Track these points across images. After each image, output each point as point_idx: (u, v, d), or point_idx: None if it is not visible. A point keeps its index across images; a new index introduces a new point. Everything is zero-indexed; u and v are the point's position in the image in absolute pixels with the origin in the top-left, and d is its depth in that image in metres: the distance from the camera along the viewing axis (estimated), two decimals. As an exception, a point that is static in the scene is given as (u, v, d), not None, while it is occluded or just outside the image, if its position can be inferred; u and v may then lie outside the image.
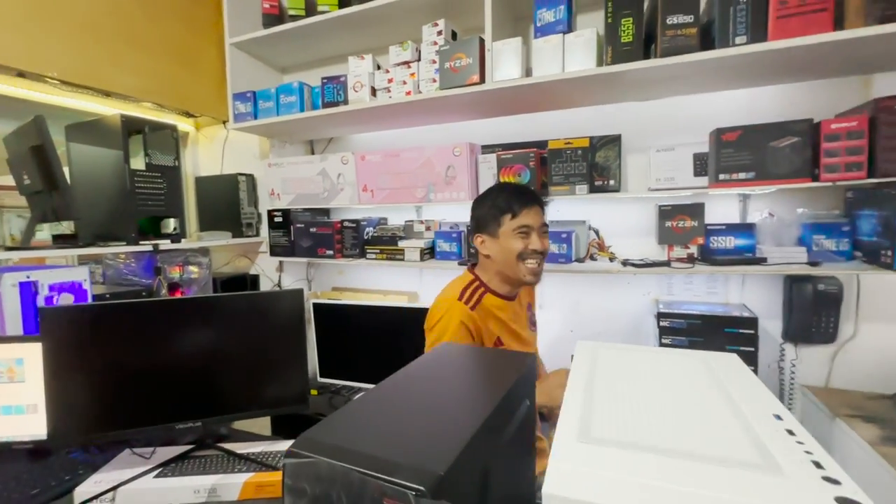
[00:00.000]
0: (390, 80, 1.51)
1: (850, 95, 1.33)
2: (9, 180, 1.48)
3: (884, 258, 1.13)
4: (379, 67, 1.59)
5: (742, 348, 1.34)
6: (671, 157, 1.47)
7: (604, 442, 0.37)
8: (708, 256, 1.41)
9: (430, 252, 1.72)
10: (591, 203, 1.64)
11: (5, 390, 1.04)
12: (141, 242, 1.56)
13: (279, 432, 1.81)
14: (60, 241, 1.51)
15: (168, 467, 0.97)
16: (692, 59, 1.10)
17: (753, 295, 1.50)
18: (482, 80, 1.34)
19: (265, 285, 2.15)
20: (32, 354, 1.03)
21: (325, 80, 1.62)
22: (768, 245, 1.38)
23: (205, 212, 2.09)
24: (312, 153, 2.16)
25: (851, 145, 1.12)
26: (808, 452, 0.34)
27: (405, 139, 1.90)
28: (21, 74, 1.38)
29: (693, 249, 1.43)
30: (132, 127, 1.55)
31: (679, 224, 1.43)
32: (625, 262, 1.48)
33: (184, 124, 2.15)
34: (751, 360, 1.33)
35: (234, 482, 0.93)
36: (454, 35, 1.48)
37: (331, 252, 1.85)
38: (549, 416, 1.29)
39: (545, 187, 1.51)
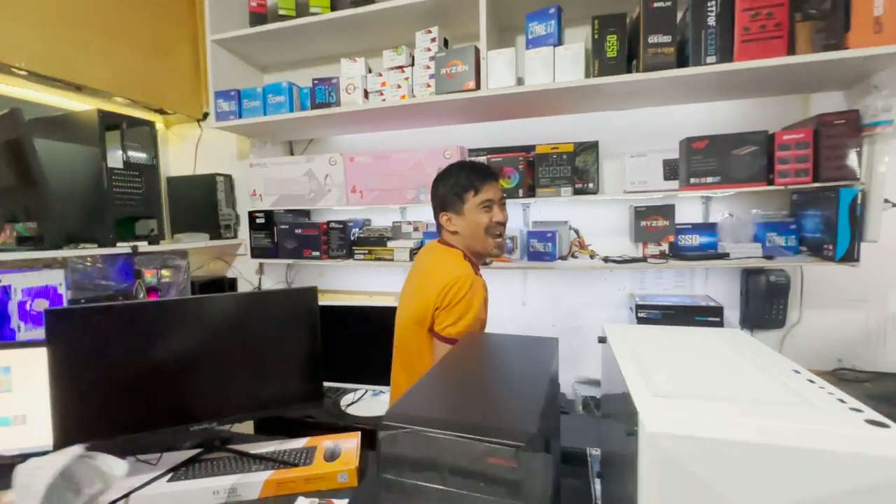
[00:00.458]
0: (383, 84, 1.55)
1: (793, 111, 1.52)
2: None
3: (826, 251, 1.32)
4: (370, 71, 1.62)
5: (710, 334, 1.49)
6: (643, 163, 1.61)
7: (673, 395, 0.44)
8: (678, 253, 1.56)
9: (418, 252, 1.76)
10: (572, 205, 1.75)
11: (-13, 401, 0.97)
12: (118, 244, 1.48)
13: (263, 432, 1.77)
14: (25, 242, 1.40)
15: (179, 472, 0.95)
16: (671, 75, 1.22)
17: (715, 287, 1.67)
18: (478, 86, 1.40)
19: (243, 288, 2.09)
20: (21, 361, 0.96)
21: (316, 82, 1.62)
22: (728, 242, 1.54)
23: (178, 213, 2.01)
24: (291, 153, 2.13)
25: (799, 154, 1.29)
26: (830, 394, 0.43)
27: (391, 141, 1.93)
28: (-15, 62, 1.28)
29: (665, 247, 1.58)
30: (108, 122, 1.47)
31: (652, 223, 1.57)
32: (606, 259, 1.60)
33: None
34: (717, 344, 1.48)
35: (255, 481, 0.92)
36: (445, 42, 1.54)
37: (317, 253, 1.84)
38: None
39: (532, 189, 1.60)
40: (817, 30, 1.14)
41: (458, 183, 1.19)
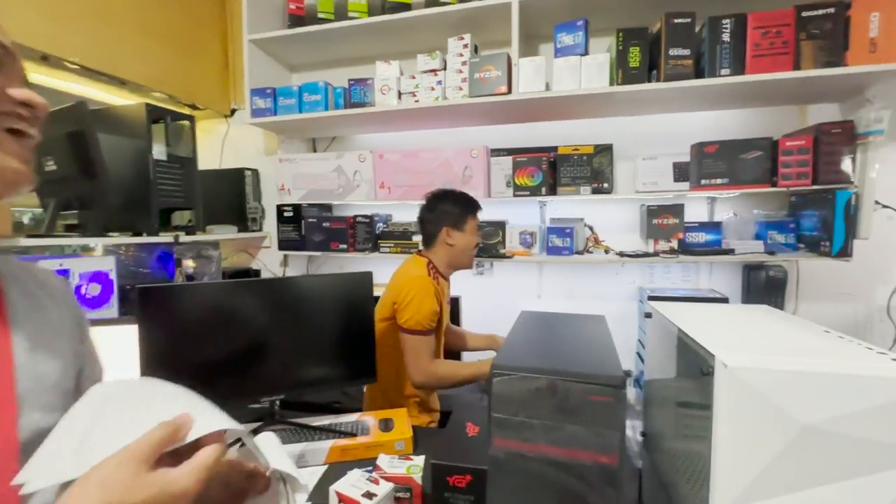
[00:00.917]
0: (417, 86, 1.64)
1: (791, 120, 1.67)
2: None
3: (823, 248, 1.46)
4: (403, 73, 1.71)
5: (716, 324, 1.62)
6: (654, 165, 1.74)
7: (735, 345, 0.55)
8: (686, 249, 1.69)
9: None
10: (586, 203, 1.87)
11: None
12: (161, 233, 1.55)
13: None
14: (74, 230, 1.46)
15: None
16: (689, 85, 1.35)
17: (719, 281, 1.80)
18: (509, 90, 1.51)
19: (267, 280, 2.15)
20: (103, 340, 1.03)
21: (351, 82, 1.71)
22: (732, 239, 1.68)
23: (207, 206, 2.06)
24: (314, 150, 2.21)
25: (801, 159, 1.43)
26: (859, 344, 0.55)
27: (416, 140, 2.02)
28: (45, 58, 1.34)
29: (674, 243, 1.70)
30: (154, 116, 1.54)
31: (664, 221, 1.70)
32: (621, 254, 1.72)
33: (180, 116, 2.11)
34: (723, 333, 1.61)
35: (321, 448, 1.01)
36: (476, 49, 1.65)
37: (344, 246, 1.92)
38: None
39: (553, 188, 1.71)
40: (819, 48, 1.27)
41: (465, 204, 1.43)
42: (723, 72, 1.33)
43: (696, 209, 1.80)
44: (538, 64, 1.48)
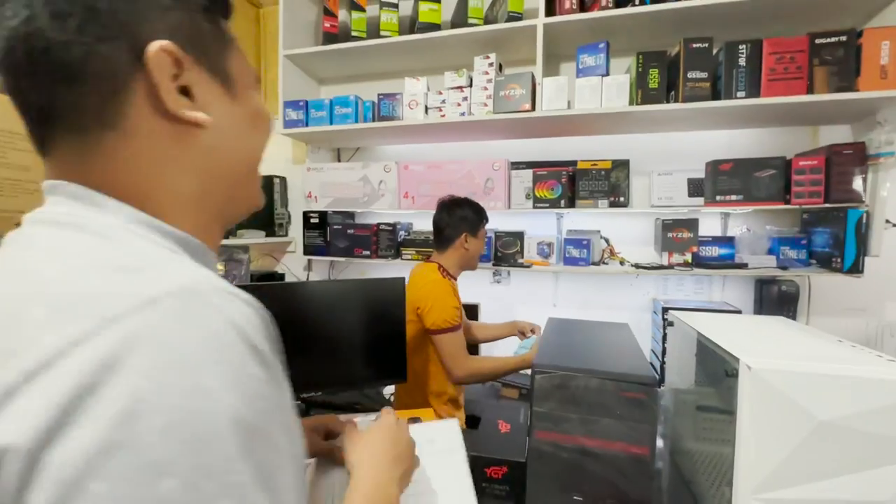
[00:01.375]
0: (443, 102, 1.72)
1: (803, 140, 1.73)
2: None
3: (834, 264, 1.50)
4: (429, 89, 1.79)
5: (729, 335, 1.67)
6: (669, 181, 1.80)
7: (759, 352, 0.61)
8: (699, 262, 1.74)
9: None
10: (602, 215, 1.93)
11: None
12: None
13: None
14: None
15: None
16: (706, 106, 1.41)
17: (731, 294, 1.85)
18: (533, 108, 1.59)
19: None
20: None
21: (381, 96, 1.80)
22: (745, 254, 1.73)
23: (235, 211, 2.15)
24: (339, 160, 2.29)
25: (813, 178, 1.48)
26: (870, 352, 0.60)
27: (438, 152, 2.10)
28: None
29: (688, 256, 1.76)
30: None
31: (679, 235, 1.75)
32: (636, 266, 1.78)
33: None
34: (736, 345, 1.66)
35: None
36: (500, 67, 1.73)
37: (367, 252, 1.99)
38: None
39: (572, 201, 1.78)
40: (832, 73, 1.33)
41: (479, 213, 1.55)
42: (739, 94, 1.40)
43: (710, 224, 1.85)
44: (561, 83, 1.55)
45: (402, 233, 2.03)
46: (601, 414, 0.62)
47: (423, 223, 2.14)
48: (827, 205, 1.47)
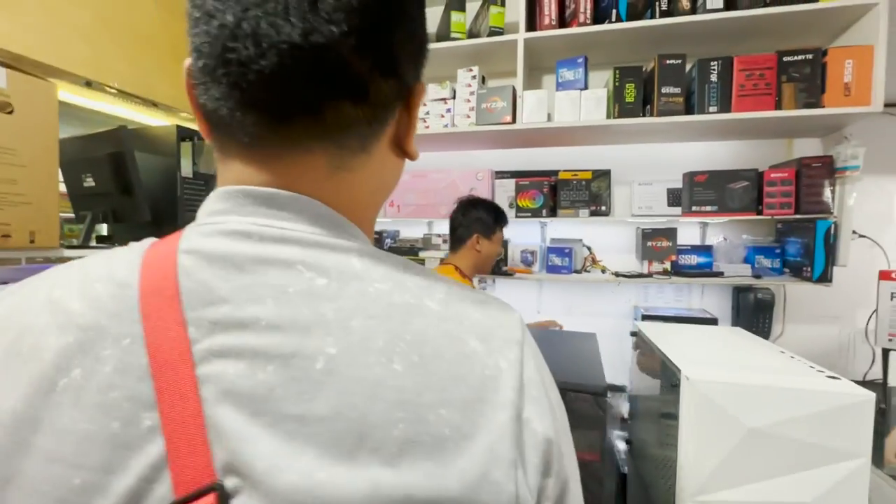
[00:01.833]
0: (427, 113, 1.76)
1: (778, 152, 1.78)
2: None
3: (805, 273, 1.55)
4: (414, 100, 1.83)
5: (706, 342, 1.71)
6: (649, 190, 1.84)
7: (700, 360, 0.64)
8: (679, 270, 1.78)
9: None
10: (585, 224, 1.97)
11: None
12: (185, 245, 1.65)
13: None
14: (104, 242, 1.57)
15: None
16: (679, 120, 1.46)
17: (710, 302, 1.90)
18: (513, 120, 1.63)
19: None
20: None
21: (366, 108, 1.83)
22: (722, 263, 1.77)
23: (224, 218, 2.18)
24: (328, 168, 2.32)
25: (784, 190, 1.53)
26: (804, 363, 0.64)
27: (425, 162, 2.13)
28: (88, 84, 1.46)
29: (667, 265, 1.80)
30: (182, 136, 1.66)
31: (658, 244, 1.80)
32: (616, 274, 1.82)
33: (202, 133, 2.23)
34: (712, 351, 1.70)
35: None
36: (483, 79, 1.77)
37: (354, 260, 2.02)
38: None
39: (554, 210, 1.82)
40: (799, 90, 1.39)
41: (497, 215, 1.53)
42: (711, 109, 1.45)
43: (690, 233, 1.90)
44: (541, 96, 1.60)
45: (388, 240, 2.06)
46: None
47: (410, 231, 2.17)
48: (797, 216, 1.52)
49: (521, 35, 1.60)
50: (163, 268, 0.29)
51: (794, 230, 1.64)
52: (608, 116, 1.55)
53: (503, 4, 1.65)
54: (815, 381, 0.55)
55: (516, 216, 1.83)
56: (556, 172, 1.83)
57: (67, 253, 1.32)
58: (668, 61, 1.46)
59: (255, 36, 0.27)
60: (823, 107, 1.36)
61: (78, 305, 0.28)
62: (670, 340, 0.77)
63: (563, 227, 2.01)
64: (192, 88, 0.32)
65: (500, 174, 1.94)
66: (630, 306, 2.00)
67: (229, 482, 0.24)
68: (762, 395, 0.55)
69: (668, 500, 0.64)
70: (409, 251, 2.00)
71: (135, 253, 0.32)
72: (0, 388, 0.27)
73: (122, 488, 0.24)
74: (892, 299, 1.01)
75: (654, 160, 1.90)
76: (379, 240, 2.02)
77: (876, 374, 1.52)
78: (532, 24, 1.63)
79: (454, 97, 1.75)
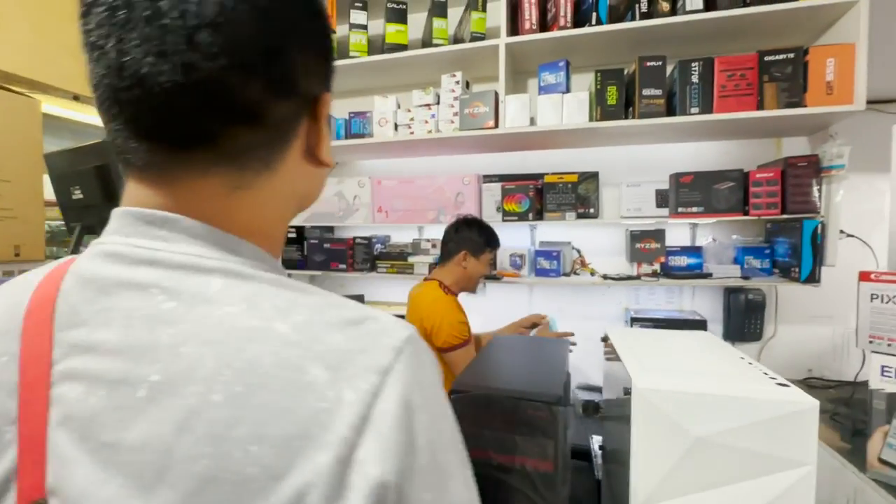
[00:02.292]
0: (412, 119, 1.77)
1: (767, 151, 1.76)
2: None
3: (793, 273, 1.53)
4: (399, 106, 1.84)
5: (695, 344, 1.69)
6: (638, 192, 1.83)
7: (655, 368, 0.64)
8: (668, 272, 1.77)
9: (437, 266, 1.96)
10: (574, 227, 1.97)
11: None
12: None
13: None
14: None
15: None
16: (660, 122, 1.45)
17: (701, 303, 1.88)
18: (496, 125, 1.63)
19: (272, 297, 2.27)
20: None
21: (351, 115, 1.85)
22: (712, 263, 1.76)
23: (216, 226, 2.20)
24: (319, 175, 2.34)
25: (770, 190, 1.52)
26: (759, 370, 0.64)
27: (413, 167, 2.15)
28: (76, 98, 1.49)
29: (657, 266, 1.79)
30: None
31: (646, 246, 1.79)
32: (605, 276, 1.81)
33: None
34: (702, 353, 1.69)
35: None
36: (467, 84, 1.77)
37: (343, 266, 2.03)
38: None
39: (540, 213, 1.82)
40: (781, 89, 1.37)
41: (488, 237, 1.57)
42: (692, 110, 1.44)
43: (680, 234, 1.88)
44: (523, 101, 1.60)
45: (378, 246, 2.07)
46: (509, 431, 0.65)
47: (401, 237, 2.18)
48: (784, 216, 1.51)
49: (503, 40, 1.60)
50: (48, 288, 0.30)
51: (783, 230, 1.63)
52: (591, 119, 1.55)
53: (484, 10, 1.65)
54: (761, 389, 0.55)
55: (503, 220, 1.83)
56: (542, 176, 1.82)
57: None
58: (648, 63, 1.46)
59: (139, 78, 0.28)
60: (806, 106, 1.35)
61: None
62: (632, 347, 0.76)
63: (553, 230, 2.00)
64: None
65: (488, 178, 1.94)
66: (622, 308, 1.98)
67: (52, 503, 0.25)
68: (707, 403, 0.55)
69: (629, 507, 0.63)
70: (398, 256, 2.00)
71: (41, 272, 0.33)
72: None
73: None
74: (871, 300, 1.00)
75: (643, 161, 1.90)
76: (368, 245, 2.03)
77: (867, 374, 1.50)
78: (514, 29, 1.63)
79: (438, 103, 1.76)
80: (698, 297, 1.89)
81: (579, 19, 1.54)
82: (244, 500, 0.24)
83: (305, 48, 0.33)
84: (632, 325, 1.77)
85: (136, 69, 0.28)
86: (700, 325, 1.70)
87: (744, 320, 1.77)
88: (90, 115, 1.70)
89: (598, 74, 1.53)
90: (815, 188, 1.46)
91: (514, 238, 2.01)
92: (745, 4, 1.37)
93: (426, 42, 1.77)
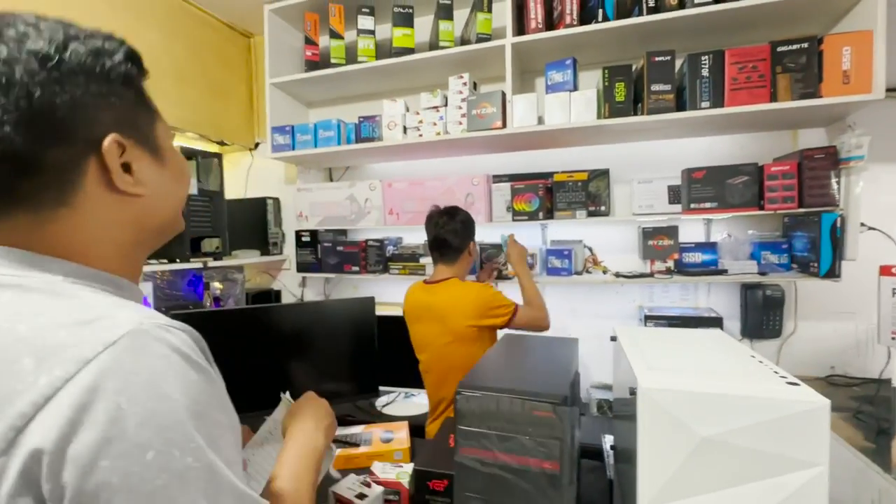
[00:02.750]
0: (420, 122, 1.78)
1: (783, 144, 1.72)
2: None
3: (812, 269, 1.49)
4: (408, 109, 1.86)
5: (711, 342, 1.66)
6: (650, 188, 1.81)
7: (661, 368, 0.64)
8: (682, 269, 1.74)
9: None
10: (585, 225, 1.95)
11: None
12: (191, 260, 1.72)
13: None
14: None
15: (264, 448, 1.16)
16: (670, 118, 1.43)
17: (717, 300, 1.84)
18: (504, 125, 1.63)
19: (287, 299, 2.31)
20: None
21: (361, 119, 1.87)
22: (727, 259, 1.72)
23: (233, 232, 2.25)
24: (331, 179, 2.37)
25: (786, 183, 1.48)
26: (769, 368, 0.63)
27: (422, 168, 2.16)
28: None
29: (670, 263, 1.76)
30: (187, 154, 1.73)
31: (659, 243, 1.76)
32: (617, 274, 1.79)
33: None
34: (718, 351, 1.66)
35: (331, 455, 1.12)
36: (474, 85, 1.78)
37: (356, 268, 2.06)
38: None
39: (550, 212, 1.81)
40: (795, 80, 1.34)
41: (468, 216, 1.61)
42: (703, 105, 1.41)
43: (694, 230, 1.85)
44: (531, 100, 1.59)
45: (390, 248, 2.09)
46: (515, 431, 0.66)
47: (413, 238, 2.19)
48: (801, 209, 1.47)
49: (509, 40, 1.60)
50: None
51: (801, 224, 1.59)
52: (599, 117, 1.53)
53: (490, 10, 1.65)
54: (769, 388, 0.54)
55: (513, 220, 1.83)
56: (552, 174, 1.82)
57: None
58: (656, 58, 1.44)
59: None
60: (821, 97, 1.31)
61: None
62: (641, 346, 0.76)
63: (564, 229, 1.99)
64: None
65: (497, 178, 1.94)
66: (635, 306, 1.96)
67: None
68: (714, 403, 0.54)
69: (640, 508, 0.63)
70: (410, 258, 2.02)
71: None
72: None
73: None
74: (893, 295, 0.97)
75: (654, 157, 1.87)
76: (381, 247, 2.05)
77: (892, 371, 1.45)
78: (520, 28, 1.63)
79: (446, 104, 1.77)
80: (714, 294, 1.86)
81: (585, 16, 1.53)
82: None
83: (79, 103, 0.39)
84: (646, 323, 1.75)
85: None
86: (716, 322, 1.67)
87: (762, 317, 1.73)
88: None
89: (606, 71, 1.52)
90: (834, 180, 1.42)
91: (526, 237, 2.00)
92: (756, -5, 1.34)
93: (433, 45, 1.78)
